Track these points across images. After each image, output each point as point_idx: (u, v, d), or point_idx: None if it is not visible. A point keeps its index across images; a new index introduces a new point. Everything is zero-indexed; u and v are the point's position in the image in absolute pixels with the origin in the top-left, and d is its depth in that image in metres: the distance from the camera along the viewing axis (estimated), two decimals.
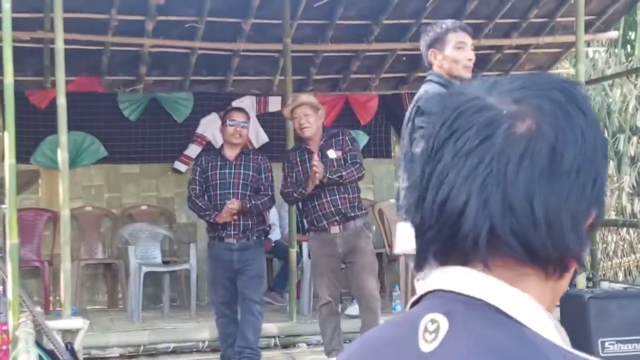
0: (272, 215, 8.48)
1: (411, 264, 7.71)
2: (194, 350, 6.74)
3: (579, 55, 7.06)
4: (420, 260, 0.91)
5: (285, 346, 6.96)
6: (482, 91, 0.89)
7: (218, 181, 5.79)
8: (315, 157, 5.56)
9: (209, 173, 5.79)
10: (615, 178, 12.65)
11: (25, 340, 4.06)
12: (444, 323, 0.84)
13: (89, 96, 8.38)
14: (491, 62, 9.27)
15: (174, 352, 6.76)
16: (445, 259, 0.88)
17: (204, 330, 6.80)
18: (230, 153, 5.82)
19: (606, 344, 5.06)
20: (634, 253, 10.33)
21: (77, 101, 7.66)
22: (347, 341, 6.04)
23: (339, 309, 5.89)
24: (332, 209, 5.64)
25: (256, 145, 8.84)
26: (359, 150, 5.88)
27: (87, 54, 8.05)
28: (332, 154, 5.69)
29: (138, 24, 7.77)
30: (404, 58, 8.97)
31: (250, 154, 5.95)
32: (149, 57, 8.30)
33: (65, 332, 5.25)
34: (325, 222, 5.63)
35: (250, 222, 5.76)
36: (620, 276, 10.26)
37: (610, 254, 10.07)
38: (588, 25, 8.03)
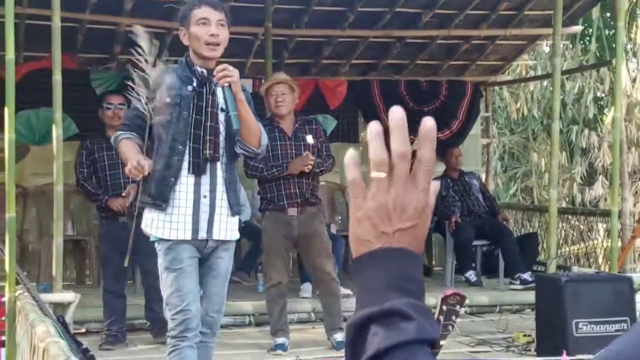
0: (243, 196, 8.56)
1: None
2: None
3: (556, 49, 7.31)
4: None
5: (259, 324, 7.08)
6: None
7: (106, 162, 5.93)
8: (309, 153, 5.73)
9: (96, 155, 5.96)
10: (567, 168, 13.01)
11: (33, 311, 4.12)
12: None
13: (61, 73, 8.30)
14: (459, 52, 9.49)
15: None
16: None
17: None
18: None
19: (580, 325, 5.33)
20: (583, 241, 10.70)
21: (47, 77, 7.61)
22: (301, 321, 6.20)
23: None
24: (297, 190, 5.77)
25: None
26: (328, 141, 6.15)
27: (62, 32, 8.00)
28: (310, 139, 5.86)
29: (116, 2, 7.77)
30: None
31: None
32: (124, 36, 8.29)
33: (56, 306, 5.32)
34: (285, 202, 5.76)
35: None
36: (569, 263, 10.63)
37: (561, 241, 10.43)
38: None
